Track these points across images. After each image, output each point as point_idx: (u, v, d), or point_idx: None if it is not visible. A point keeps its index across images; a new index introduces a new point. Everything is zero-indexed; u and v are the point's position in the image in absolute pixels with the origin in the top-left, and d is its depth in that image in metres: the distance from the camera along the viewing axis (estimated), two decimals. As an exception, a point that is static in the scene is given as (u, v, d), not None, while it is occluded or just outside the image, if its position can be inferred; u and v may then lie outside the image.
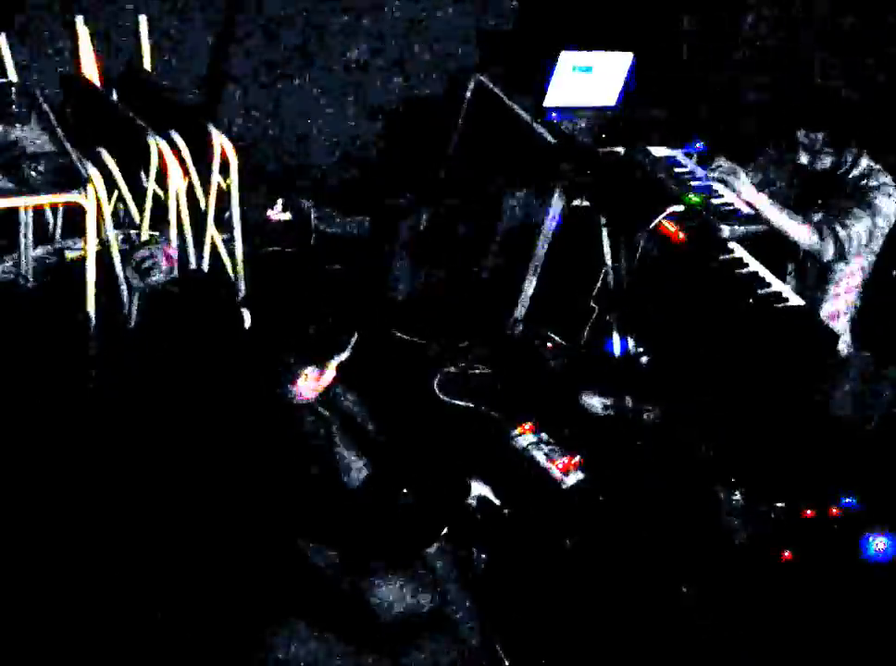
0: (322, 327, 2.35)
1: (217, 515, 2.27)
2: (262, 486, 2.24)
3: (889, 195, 3.48)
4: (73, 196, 3.19)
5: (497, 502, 2.69)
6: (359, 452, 2.66)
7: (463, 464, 2.85)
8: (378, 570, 2.45)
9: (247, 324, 2.59)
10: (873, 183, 3.48)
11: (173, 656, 2.31)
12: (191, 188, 3.72)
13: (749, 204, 3.48)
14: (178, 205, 3.59)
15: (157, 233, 3.67)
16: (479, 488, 2.65)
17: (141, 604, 2.38)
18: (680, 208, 3.42)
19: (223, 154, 3.62)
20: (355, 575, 2.42)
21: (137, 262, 3.41)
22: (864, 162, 3.52)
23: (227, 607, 2.28)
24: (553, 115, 3.87)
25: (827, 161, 3.50)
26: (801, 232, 3.45)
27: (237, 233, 3.82)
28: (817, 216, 3.54)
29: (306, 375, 2.33)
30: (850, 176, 3.52)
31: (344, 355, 2.39)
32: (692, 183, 3.58)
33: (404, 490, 2.64)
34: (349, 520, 2.34)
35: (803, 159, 3.52)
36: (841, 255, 3.47)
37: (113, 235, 3.50)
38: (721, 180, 3.52)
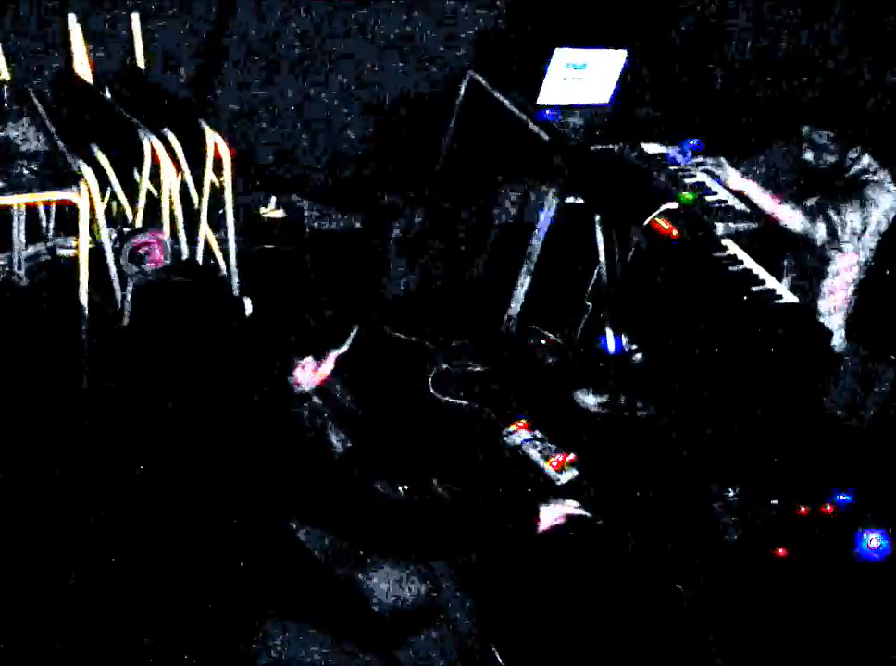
0: (321, 319, 2.33)
1: (209, 505, 2.25)
2: (254, 473, 2.22)
3: (888, 191, 3.51)
4: (66, 194, 3.18)
5: (588, 515, 2.57)
6: (351, 443, 2.65)
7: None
8: (373, 558, 2.43)
9: (248, 311, 2.56)
10: (873, 178, 3.53)
11: (162, 653, 2.30)
12: (184, 186, 3.71)
13: (739, 194, 3.50)
14: (171, 203, 3.59)
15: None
16: (556, 510, 2.52)
17: (128, 600, 2.37)
18: (674, 205, 3.43)
19: (216, 152, 3.61)
20: (350, 564, 2.41)
21: (131, 249, 3.39)
22: (866, 159, 3.55)
23: (218, 598, 2.26)
24: (547, 112, 3.87)
25: (830, 159, 3.53)
26: (792, 217, 3.48)
27: (230, 231, 3.82)
28: (811, 201, 3.56)
29: (304, 366, 2.32)
30: (850, 172, 3.55)
31: (344, 348, 2.38)
32: (686, 180, 3.59)
33: (404, 487, 2.64)
34: (339, 504, 2.32)
35: (808, 156, 3.55)
36: (834, 238, 3.48)
37: (106, 233, 3.49)
38: (707, 173, 3.55)
